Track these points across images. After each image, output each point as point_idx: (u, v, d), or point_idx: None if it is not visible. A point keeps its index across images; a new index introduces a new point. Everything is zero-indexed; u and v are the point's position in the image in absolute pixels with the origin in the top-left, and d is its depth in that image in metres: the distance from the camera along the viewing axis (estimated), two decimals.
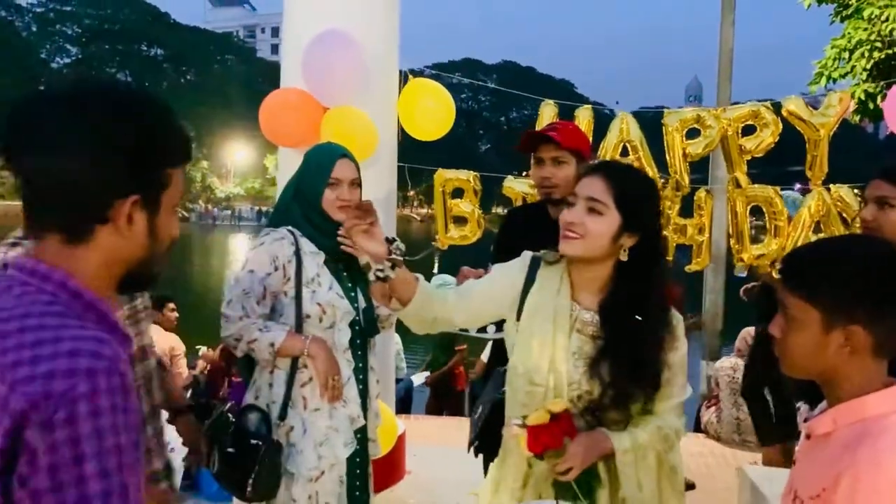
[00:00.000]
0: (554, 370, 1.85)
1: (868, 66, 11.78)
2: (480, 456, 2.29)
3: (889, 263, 1.32)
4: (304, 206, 2.38)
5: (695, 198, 3.81)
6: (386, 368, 3.76)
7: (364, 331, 2.43)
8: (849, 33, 12.06)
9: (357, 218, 1.82)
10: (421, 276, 1.88)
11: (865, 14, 11.76)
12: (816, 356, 1.35)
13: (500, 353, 2.22)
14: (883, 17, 11.53)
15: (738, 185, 3.65)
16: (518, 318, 1.92)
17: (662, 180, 3.70)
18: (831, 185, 3.62)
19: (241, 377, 2.68)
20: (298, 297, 2.32)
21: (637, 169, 2.23)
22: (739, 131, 3.60)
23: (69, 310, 0.99)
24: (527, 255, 1.99)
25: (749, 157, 3.61)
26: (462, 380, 6.82)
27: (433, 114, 3.70)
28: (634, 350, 1.83)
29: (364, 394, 2.47)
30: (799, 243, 3.66)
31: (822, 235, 3.68)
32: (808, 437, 1.47)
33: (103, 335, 0.96)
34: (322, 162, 2.37)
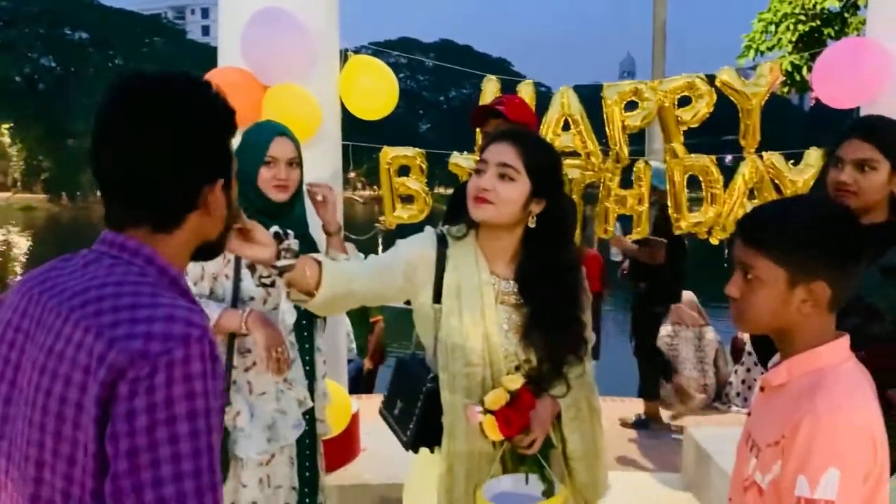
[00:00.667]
0: (489, 346, 1.84)
1: (793, 39, 12.22)
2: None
3: (848, 220, 1.42)
4: (241, 186, 2.26)
5: (634, 169, 3.89)
6: (336, 348, 3.75)
7: (310, 311, 2.37)
8: (774, 7, 12.45)
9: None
10: (323, 257, 1.80)
11: None
12: (779, 312, 1.42)
13: None
14: None
15: (676, 156, 3.75)
16: (436, 301, 1.88)
17: (603, 153, 3.77)
18: (764, 153, 3.75)
19: None
20: (237, 280, 2.27)
21: (540, 136, 2.24)
22: (675, 103, 3.69)
23: (158, 283, 1.05)
24: (430, 232, 1.95)
25: (685, 128, 3.70)
26: (376, 356, 6.41)
27: (376, 92, 3.68)
28: (558, 314, 1.87)
29: (311, 375, 2.45)
30: (735, 210, 3.79)
31: (756, 202, 3.81)
32: (762, 389, 1.56)
33: (193, 306, 1.03)
34: (258, 140, 2.30)
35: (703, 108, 3.66)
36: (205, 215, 1.10)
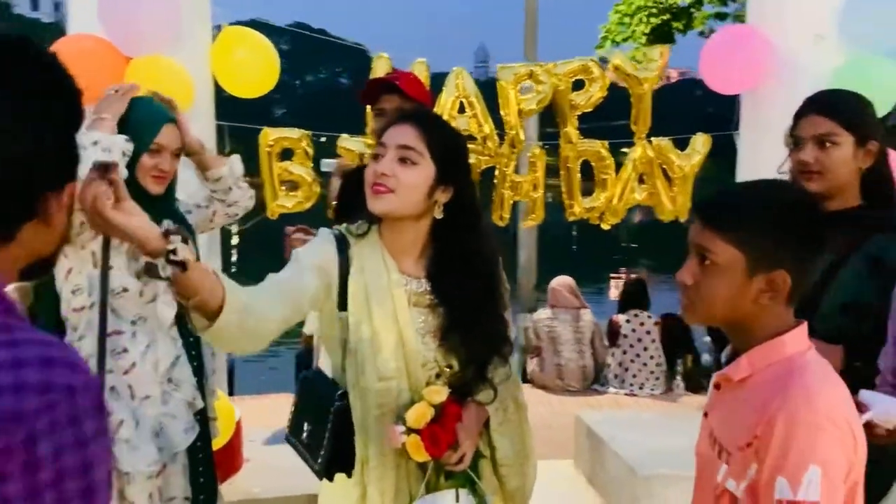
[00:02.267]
0: (405, 354, 1.66)
1: (646, 31, 12.80)
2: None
3: (812, 208, 1.34)
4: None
5: (529, 154, 3.80)
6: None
7: None
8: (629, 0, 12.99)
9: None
10: (226, 280, 1.42)
11: None
12: (734, 302, 1.32)
13: None
14: None
15: (570, 140, 3.69)
16: (342, 308, 1.67)
17: (499, 138, 3.65)
18: (653, 139, 3.76)
19: None
20: (105, 268, 1.96)
21: (442, 117, 2.08)
22: (570, 87, 3.62)
23: None
24: (326, 233, 1.73)
25: (579, 113, 3.65)
26: None
27: (254, 67, 3.35)
28: (477, 313, 1.70)
29: (199, 372, 2.24)
30: (625, 195, 3.79)
31: (645, 187, 3.82)
32: (717, 386, 1.45)
33: (63, 342, 0.77)
34: (146, 122, 2.07)
35: (596, 92, 3.61)
36: (42, 226, 0.84)
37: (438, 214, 1.68)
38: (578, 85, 3.70)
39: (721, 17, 12.96)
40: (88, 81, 2.83)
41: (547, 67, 3.57)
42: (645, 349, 5.89)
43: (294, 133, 3.53)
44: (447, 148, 1.67)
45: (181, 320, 2.12)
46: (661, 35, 12.93)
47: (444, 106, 3.47)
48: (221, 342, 1.55)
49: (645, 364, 5.88)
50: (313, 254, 1.68)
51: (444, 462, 1.66)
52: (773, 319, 1.32)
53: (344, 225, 1.75)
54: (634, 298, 6.08)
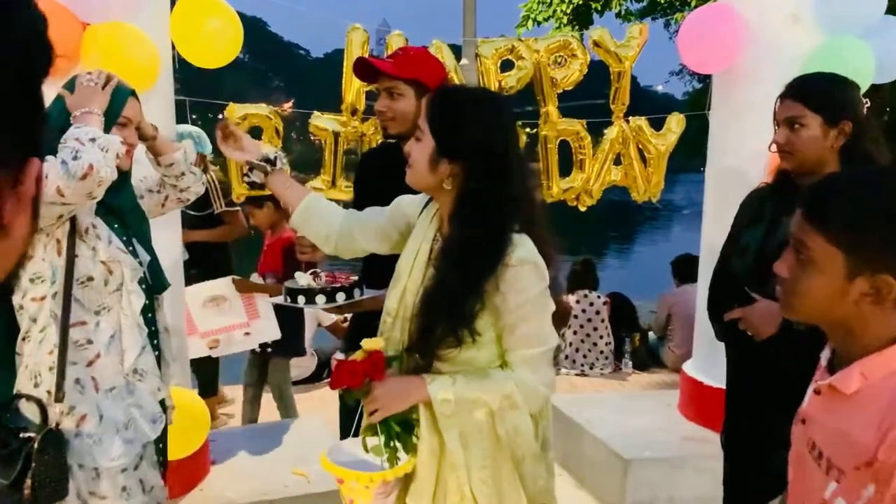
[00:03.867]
0: (403, 300, 1.80)
1: (567, 10, 12.84)
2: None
3: None
4: None
5: None
6: (179, 336, 3.09)
7: (152, 288, 2.13)
8: None
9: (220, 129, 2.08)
10: (313, 194, 2.07)
11: None
12: (833, 303, 1.20)
13: None
14: None
15: (549, 120, 3.57)
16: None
17: None
18: (630, 118, 3.70)
19: None
20: (71, 254, 1.91)
21: (470, 90, 2.03)
22: (550, 63, 3.50)
23: None
24: None
25: (559, 91, 3.53)
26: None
27: (217, 35, 3.05)
28: (444, 289, 1.69)
29: (159, 361, 2.18)
30: (602, 174, 3.72)
31: (621, 168, 3.76)
32: (817, 392, 1.35)
33: None
34: (113, 95, 2.02)
35: (577, 69, 3.50)
36: None
37: (448, 186, 1.70)
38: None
39: None
40: None
41: (528, 42, 3.43)
42: (595, 329, 5.90)
43: (263, 110, 3.25)
44: (443, 121, 1.69)
45: (145, 310, 2.09)
46: (579, 15, 13.02)
47: None
48: (312, 238, 2.09)
49: (595, 344, 5.90)
50: (409, 201, 1.93)
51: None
52: (884, 325, 1.20)
53: None
54: (583, 279, 6.07)
